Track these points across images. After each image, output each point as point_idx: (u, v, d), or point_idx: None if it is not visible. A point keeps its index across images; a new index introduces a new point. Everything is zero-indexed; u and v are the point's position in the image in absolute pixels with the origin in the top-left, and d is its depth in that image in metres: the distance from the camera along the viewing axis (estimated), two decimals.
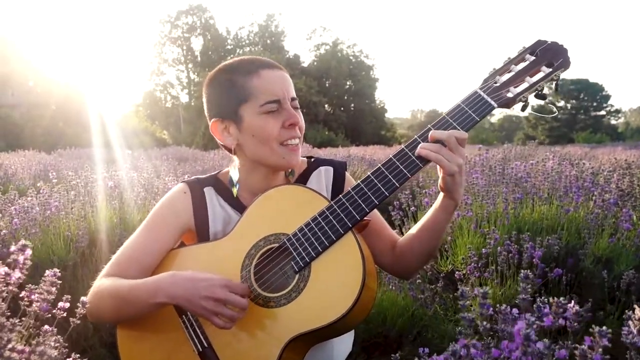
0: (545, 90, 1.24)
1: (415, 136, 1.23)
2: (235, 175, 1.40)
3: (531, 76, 1.22)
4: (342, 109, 52.78)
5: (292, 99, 1.34)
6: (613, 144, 22.75)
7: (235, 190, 1.39)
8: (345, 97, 53.39)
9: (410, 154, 1.20)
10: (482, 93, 1.22)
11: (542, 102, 1.27)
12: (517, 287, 2.16)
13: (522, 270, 0.83)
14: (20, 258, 0.87)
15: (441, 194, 1.27)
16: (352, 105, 53.39)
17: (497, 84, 1.23)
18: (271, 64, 1.35)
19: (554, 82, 1.23)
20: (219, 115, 1.35)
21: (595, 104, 59.06)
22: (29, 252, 0.88)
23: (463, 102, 1.22)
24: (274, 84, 1.31)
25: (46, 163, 7.02)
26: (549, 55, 1.22)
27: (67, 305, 1.12)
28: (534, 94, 1.22)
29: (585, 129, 50.05)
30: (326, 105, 50.62)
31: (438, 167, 1.19)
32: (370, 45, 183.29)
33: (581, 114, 58.15)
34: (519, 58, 1.25)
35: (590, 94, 58.28)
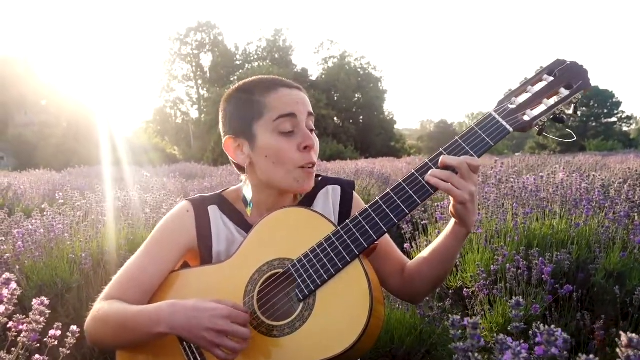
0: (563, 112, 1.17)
1: (426, 160, 1.18)
2: (249, 193, 1.36)
3: (549, 98, 1.16)
4: (351, 121, 52.89)
5: (309, 114, 1.30)
6: (625, 151, 22.51)
7: (249, 210, 1.36)
8: (354, 110, 53.53)
9: (420, 179, 1.15)
10: (497, 116, 1.15)
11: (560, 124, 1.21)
12: (527, 305, 2.10)
13: (514, 297, 0.79)
14: (5, 292, 0.84)
15: (453, 219, 1.22)
16: (361, 117, 53.51)
17: (513, 106, 1.16)
18: (291, 84, 1.32)
19: (573, 105, 1.16)
20: (233, 133, 1.32)
21: (606, 110, 58.68)
22: (13, 285, 0.85)
23: (477, 126, 1.16)
24: (291, 100, 1.27)
25: (55, 182, 7.05)
26: (568, 76, 1.15)
27: (59, 333, 1.10)
28: (551, 117, 1.16)
29: (596, 136, 49.67)
30: (335, 118, 50.78)
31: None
32: (378, 57, 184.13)
33: (592, 122, 57.76)
34: (537, 78, 1.19)
35: (600, 101, 57.91)
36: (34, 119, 46.97)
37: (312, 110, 1.32)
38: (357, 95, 53.61)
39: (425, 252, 1.33)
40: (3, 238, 2.84)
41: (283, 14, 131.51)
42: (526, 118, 1.14)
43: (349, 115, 53.01)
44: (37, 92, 46.45)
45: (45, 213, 2.92)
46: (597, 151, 24.03)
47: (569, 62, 1.17)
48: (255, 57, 56.86)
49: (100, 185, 5.48)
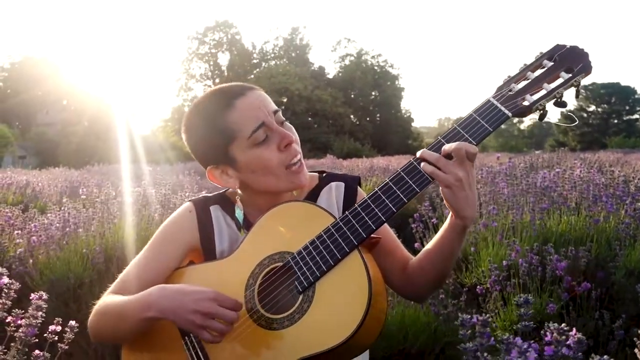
0: (566, 98, 1.15)
1: (425, 149, 1.17)
2: (241, 216, 1.36)
3: (549, 83, 1.15)
4: (368, 119, 52.77)
5: (275, 112, 1.27)
6: None
7: (243, 233, 1.35)
8: (371, 108, 53.39)
9: (419, 167, 1.14)
10: (495, 102, 1.15)
11: (563, 110, 1.19)
12: (542, 303, 2.05)
13: (521, 295, 0.75)
14: None
15: (450, 212, 1.20)
16: (378, 115, 53.35)
17: (512, 92, 1.16)
18: (243, 88, 1.28)
19: (575, 89, 1.15)
20: (211, 162, 1.31)
21: (627, 107, 57.53)
22: (4, 280, 0.84)
23: (475, 112, 1.15)
24: (252, 109, 1.24)
25: (73, 180, 7.16)
26: (569, 60, 1.14)
27: (59, 328, 1.09)
28: (552, 101, 1.15)
29: (618, 133, 48.69)
30: (352, 116, 50.69)
31: None
32: (395, 55, 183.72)
33: (613, 119, 56.72)
34: (536, 64, 1.18)
35: (622, 98, 56.78)
36: (55, 118, 47.83)
37: (275, 106, 1.28)
38: (374, 93, 53.46)
39: (426, 248, 1.31)
40: (19, 231, 2.88)
41: (300, 13, 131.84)
42: (526, 103, 1.13)
43: (366, 113, 52.88)
44: (58, 92, 47.32)
45: (61, 208, 2.95)
46: (619, 148, 23.54)
47: (568, 46, 1.16)
48: (272, 55, 57.02)
49: (117, 182, 5.54)
